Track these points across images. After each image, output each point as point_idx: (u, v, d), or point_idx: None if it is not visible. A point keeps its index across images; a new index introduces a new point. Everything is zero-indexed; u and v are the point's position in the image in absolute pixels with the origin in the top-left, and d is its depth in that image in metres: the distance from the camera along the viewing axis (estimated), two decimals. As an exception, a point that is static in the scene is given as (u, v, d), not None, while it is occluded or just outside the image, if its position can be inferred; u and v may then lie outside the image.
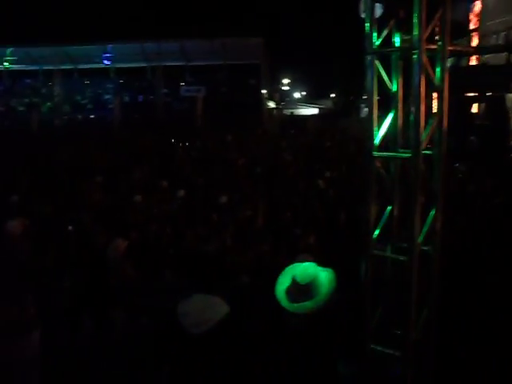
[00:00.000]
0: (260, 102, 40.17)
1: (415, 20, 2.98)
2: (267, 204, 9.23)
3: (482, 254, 6.43)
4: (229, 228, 7.61)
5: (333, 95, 59.93)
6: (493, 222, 7.75)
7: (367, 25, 3.23)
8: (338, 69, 51.33)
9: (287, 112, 49.20)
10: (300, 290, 3.28)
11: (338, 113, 47.52)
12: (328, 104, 57.44)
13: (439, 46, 3.14)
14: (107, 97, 43.14)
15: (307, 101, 59.39)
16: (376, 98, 3.32)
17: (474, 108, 20.17)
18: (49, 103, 42.47)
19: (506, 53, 18.51)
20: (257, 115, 35.75)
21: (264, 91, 41.25)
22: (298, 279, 3.32)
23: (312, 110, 53.73)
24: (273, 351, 3.40)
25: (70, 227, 8.28)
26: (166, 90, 41.80)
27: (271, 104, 44.42)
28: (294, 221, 8.30)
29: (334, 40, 49.72)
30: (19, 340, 3.42)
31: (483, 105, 19.64)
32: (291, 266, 3.53)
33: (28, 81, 46.69)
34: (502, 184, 10.67)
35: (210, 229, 7.86)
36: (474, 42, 26.28)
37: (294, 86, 57.67)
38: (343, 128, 28.32)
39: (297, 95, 60.14)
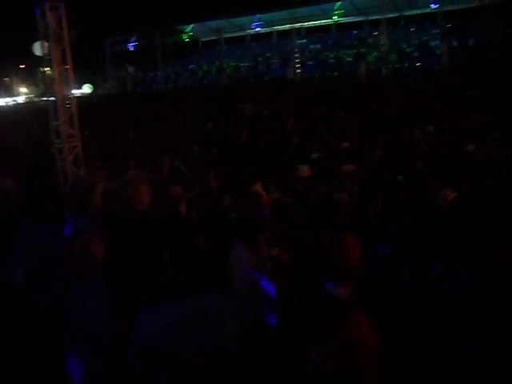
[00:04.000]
0: None
1: None
2: None
3: None
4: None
5: None
6: None
7: None
8: None
9: None
10: None
11: None
12: None
13: None
14: (434, 43, 41.79)
15: None
16: None
17: None
18: (375, 53, 43.01)
19: None
20: None
21: None
22: None
23: None
24: None
25: (399, 177, 8.22)
26: (500, 31, 38.29)
27: None
28: None
29: None
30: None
31: None
32: None
33: (355, 32, 48.05)
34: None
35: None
36: None
37: None
38: None
39: None
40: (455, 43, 40.48)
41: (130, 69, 52.70)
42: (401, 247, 5.03)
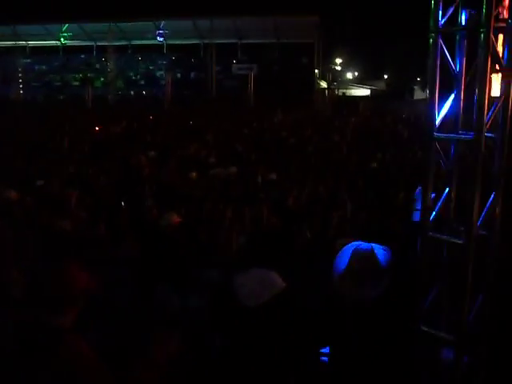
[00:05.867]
0: (312, 81, 39.84)
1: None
2: (318, 183, 9.21)
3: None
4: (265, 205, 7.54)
5: (386, 76, 59.06)
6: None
7: (433, 2, 3.13)
8: (393, 49, 50.63)
9: (339, 92, 48.66)
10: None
11: (391, 94, 46.94)
12: (381, 85, 56.53)
13: (509, 23, 3.02)
14: (159, 73, 43.49)
15: (359, 81, 58.57)
16: (438, 78, 3.21)
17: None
18: (102, 78, 43.08)
19: None
20: (308, 95, 35.52)
21: (316, 71, 40.87)
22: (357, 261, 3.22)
23: (364, 91, 52.97)
24: (329, 328, 3.35)
25: (122, 202, 8.40)
26: (218, 68, 41.79)
27: (323, 84, 43.95)
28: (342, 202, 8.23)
29: (389, 20, 48.77)
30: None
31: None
32: (350, 245, 3.43)
33: (82, 56, 47.53)
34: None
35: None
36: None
37: (346, 66, 56.81)
38: (394, 110, 28.01)
39: (349, 75, 59.30)
40: (179, 75, 42.71)
41: None
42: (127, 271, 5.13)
